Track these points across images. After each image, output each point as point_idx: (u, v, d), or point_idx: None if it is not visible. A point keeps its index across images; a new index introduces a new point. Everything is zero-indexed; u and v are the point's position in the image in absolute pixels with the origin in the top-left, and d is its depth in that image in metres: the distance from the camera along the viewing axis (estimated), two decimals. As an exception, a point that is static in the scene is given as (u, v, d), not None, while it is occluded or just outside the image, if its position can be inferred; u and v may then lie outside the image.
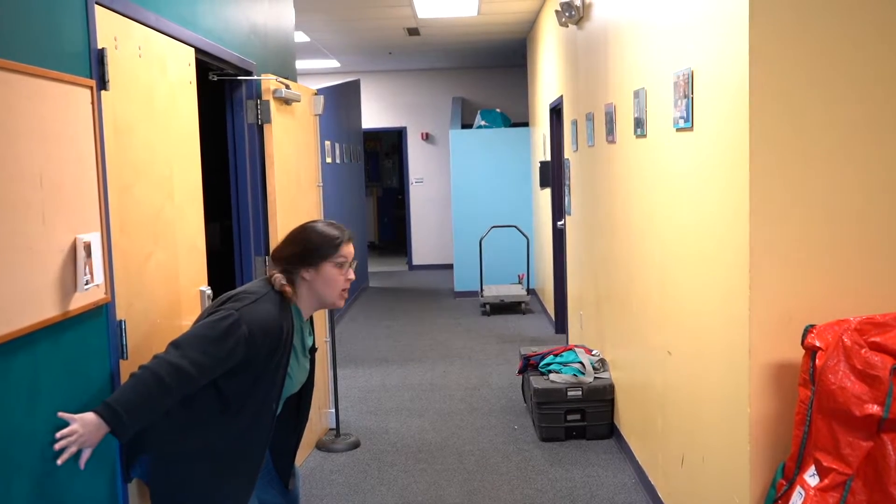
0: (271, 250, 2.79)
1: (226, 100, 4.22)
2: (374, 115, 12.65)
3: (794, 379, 2.64)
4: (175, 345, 2.42)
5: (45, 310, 2.19)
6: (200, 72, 3.76)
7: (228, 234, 4.49)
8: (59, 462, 2.18)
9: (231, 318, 2.45)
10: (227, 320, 2.45)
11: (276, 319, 2.54)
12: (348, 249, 2.69)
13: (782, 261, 2.66)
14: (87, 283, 2.38)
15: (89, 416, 2.24)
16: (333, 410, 5.06)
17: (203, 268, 3.45)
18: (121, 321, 2.66)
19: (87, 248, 2.39)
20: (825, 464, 2.41)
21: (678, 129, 3.35)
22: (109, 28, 2.64)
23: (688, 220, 3.29)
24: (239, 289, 2.66)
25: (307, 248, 2.64)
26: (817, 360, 2.46)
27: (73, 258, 2.33)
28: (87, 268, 2.39)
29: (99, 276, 2.47)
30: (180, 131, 3.24)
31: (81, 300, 2.37)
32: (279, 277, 2.63)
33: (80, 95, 2.41)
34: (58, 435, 2.19)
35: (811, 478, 2.45)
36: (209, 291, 3.42)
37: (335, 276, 2.66)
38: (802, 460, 2.51)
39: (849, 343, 2.38)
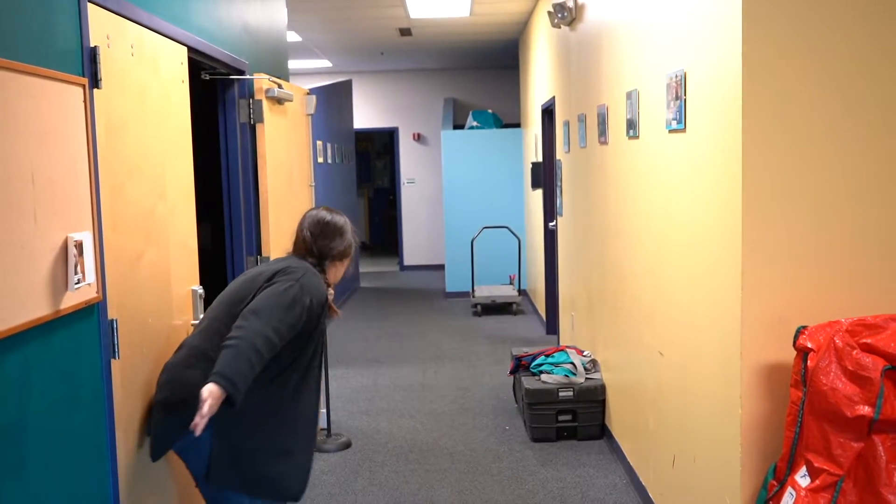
0: (304, 236, 2.93)
1: (218, 99, 4.21)
2: (366, 115, 12.64)
3: (786, 380, 2.65)
4: (254, 313, 2.54)
5: (36, 309, 2.18)
6: (193, 70, 3.75)
7: (220, 233, 4.48)
8: (197, 432, 2.36)
9: (295, 288, 2.63)
10: (292, 290, 2.62)
11: (324, 290, 2.79)
12: None
13: (774, 262, 2.67)
14: (78, 282, 2.37)
15: (214, 389, 2.39)
16: (325, 411, 5.05)
17: (195, 267, 3.44)
18: (112, 320, 2.65)
19: (79, 246, 2.38)
20: (816, 465, 2.42)
21: (671, 131, 3.36)
22: (102, 26, 2.63)
23: (680, 222, 3.30)
24: (279, 264, 2.81)
25: (347, 248, 2.96)
26: (809, 362, 2.47)
27: (65, 257, 2.31)
28: (79, 266, 2.38)
29: (90, 275, 2.46)
30: (172, 130, 3.23)
31: (73, 299, 2.36)
32: (312, 262, 2.85)
33: (72, 93, 2.40)
34: (204, 411, 2.35)
35: (802, 478, 2.46)
36: (201, 291, 3.41)
37: (342, 270, 3.00)
38: (794, 461, 2.52)
39: (840, 344, 2.39)
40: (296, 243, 2.96)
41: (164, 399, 2.72)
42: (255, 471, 2.68)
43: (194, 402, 2.42)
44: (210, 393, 2.38)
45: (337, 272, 2.96)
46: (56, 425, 2.31)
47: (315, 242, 2.90)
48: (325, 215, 2.98)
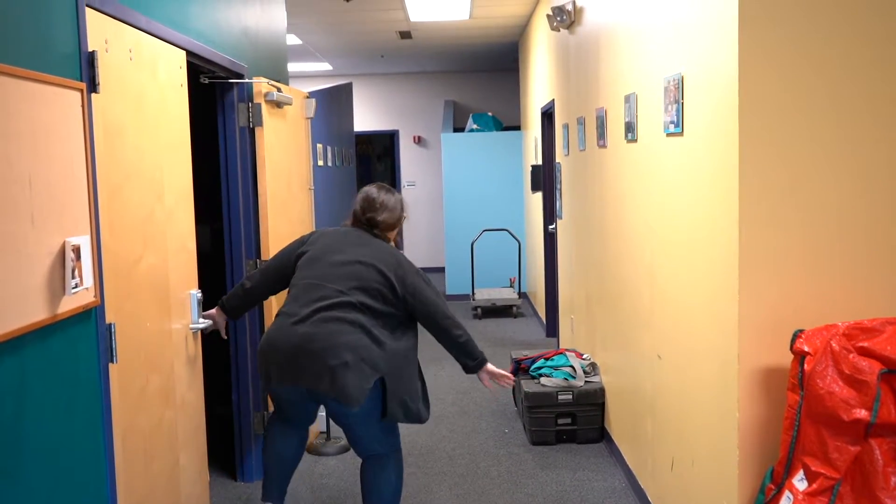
0: (382, 221, 3.49)
1: (217, 103, 4.22)
2: (367, 118, 12.64)
3: (783, 383, 2.65)
4: (444, 301, 3.47)
5: (34, 313, 2.18)
6: (192, 74, 3.76)
7: (219, 236, 4.48)
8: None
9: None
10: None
11: None
12: None
13: (771, 265, 2.67)
14: (75, 286, 2.37)
15: (489, 366, 3.58)
16: (324, 414, 5.05)
17: (193, 271, 3.45)
18: (110, 324, 2.66)
19: (77, 250, 2.38)
20: (813, 468, 2.42)
21: (668, 134, 3.36)
22: (100, 31, 2.64)
23: (678, 225, 3.30)
24: (397, 253, 3.41)
25: (396, 221, 3.57)
26: (806, 365, 2.47)
27: (62, 261, 2.32)
28: (76, 270, 2.38)
29: (88, 279, 2.46)
30: (171, 134, 3.23)
31: (70, 303, 2.36)
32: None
33: (70, 98, 2.41)
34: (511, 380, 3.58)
35: (799, 482, 2.46)
36: (199, 295, 3.41)
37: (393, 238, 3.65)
38: (791, 465, 2.52)
39: (837, 348, 2.39)
40: (353, 215, 3.56)
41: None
42: (414, 404, 3.34)
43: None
44: (488, 371, 3.61)
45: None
46: (53, 430, 2.31)
47: (363, 214, 3.49)
48: (373, 191, 3.54)
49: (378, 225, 3.47)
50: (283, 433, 3.49)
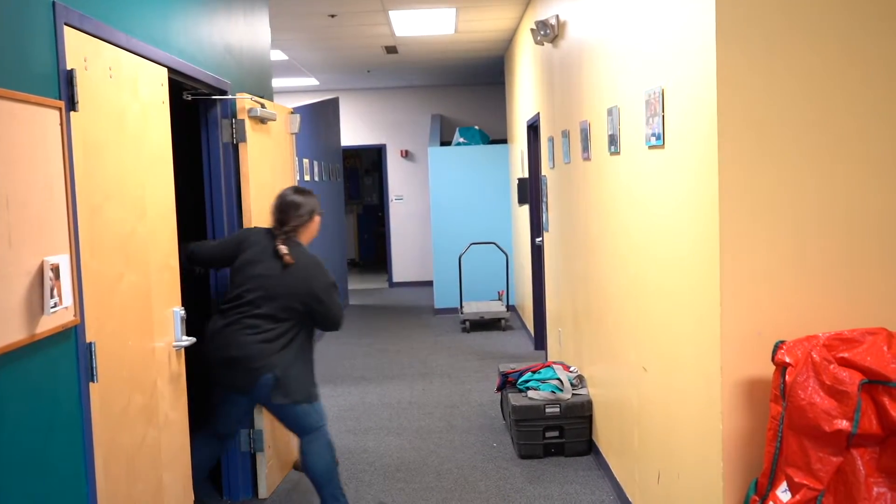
0: (295, 224, 3.94)
1: (200, 119, 4.21)
2: (354, 132, 12.66)
3: (766, 395, 2.66)
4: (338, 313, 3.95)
5: (11, 333, 2.17)
6: (174, 91, 3.76)
7: (204, 253, 4.46)
8: None
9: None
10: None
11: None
12: None
13: (752, 277, 2.68)
14: (54, 306, 2.36)
15: None
16: (311, 430, 5.02)
17: (176, 288, 3.43)
18: (90, 343, 2.64)
19: (56, 270, 2.37)
20: (796, 479, 2.42)
21: (650, 147, 3.38)
22: (79, 49, 2.63)
23: (660, 237, 3.31)
24: (315, 264, 3.89)
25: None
26: (787, 376, 2.47)
27: (41, 280, 2.30)
28: (55, 290, 2.36)
29: (68, 299, 2.44)
30: (153, 151, 3.22)
31: (49, 323, 2.35)
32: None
33: (48, 116, 2.40)
34: None
35: (783, 493, 2.46)
36: (182, 313, 3.39)
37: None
38: (775, 476, 2.52)
39: (818, 359, 2.40)
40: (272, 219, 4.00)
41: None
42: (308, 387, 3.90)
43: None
44: None
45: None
46: (32, 451, 2.29)
47: (277, 219, 3.96)
48: (287, 194, 4.00)
49: (294, 229, 3.92)
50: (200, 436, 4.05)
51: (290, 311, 3.81)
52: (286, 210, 3.93)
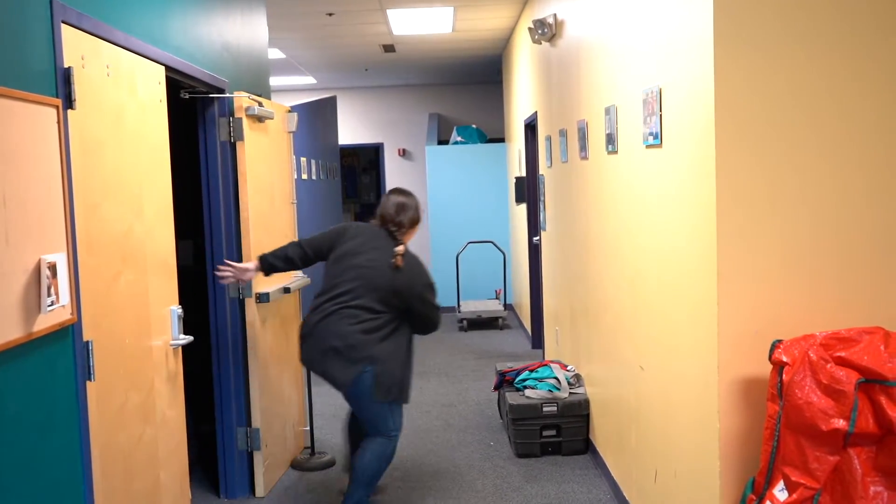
0: (404, 222, 4.04)
1: (198, 117, 4.21)
2: (352, 131, 12.64)
3: (763, 394, 2.66)
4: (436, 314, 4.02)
5: (7, 332, 2.16)
6: (172, 89, 3.75)
7: (202, 251, 4.46)
8: None
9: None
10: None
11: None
12: None
13: (749, 276, 2.68)
14: (51, 304, 2.36)
15: None
16: (308, 429, 5.03)
17: (173, 286, 3.43)
18: (87, 342, 2.64)
19: (53, 268, 2.36)
20: (793, 478, 2.42)
21: (648, 146, 3.38)
22: (76, 47, 2.63)
23: (657, 236, 3.32)
24: (421, 270, 3.99)
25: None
26: (784, 376, 2.48)
27: (38, 279, 2.30)
28: (52, 288, 2.36)
29: (65, 297, 2.44)
30: (150, 149, 3.22)
31: (46, 321, 2.34)
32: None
33: (45, 115, 2.39)
34: None
35: (780, 493, 2.47)
36: (180, 311, 3.39)
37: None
38: (771, 475, 2.53)
39: (815, 358, 2.40)
40: (380, 217, 4.07)
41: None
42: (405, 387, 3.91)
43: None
44: None
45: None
46: (29, 449, 2.29)
47: (389, 217, 4.03)
48: (396, 197, 4.11)
49: (401, 226, 4.02)
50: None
51: (388, 305, 3.81)
52: (399, 211, 4.01)
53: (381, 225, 4.02)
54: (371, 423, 3.89)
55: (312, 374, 4.20)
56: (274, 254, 4.05)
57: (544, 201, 6.50)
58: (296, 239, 5.06)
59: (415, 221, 4.08)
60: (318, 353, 3.81)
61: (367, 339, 3.74)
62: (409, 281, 3.86)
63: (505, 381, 5.27)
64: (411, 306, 3.86)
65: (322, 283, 3.94)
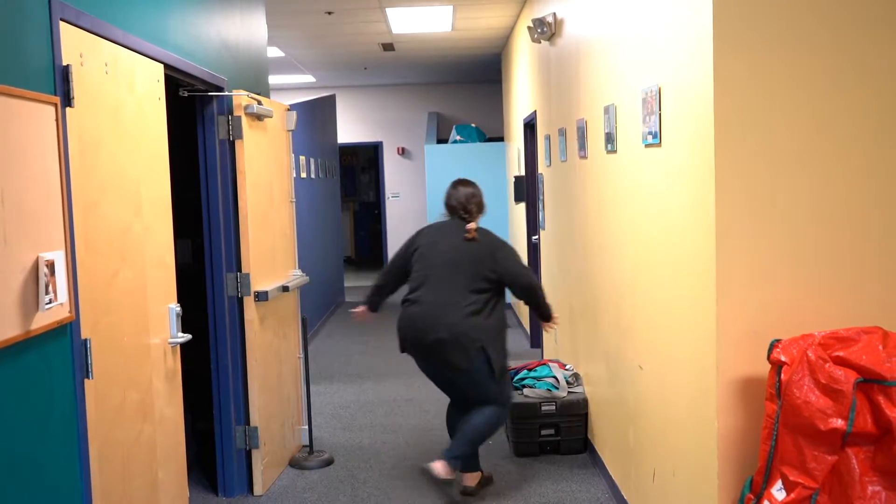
0: (466, 207, 4.28)
1: (196, 115, 4.20)
2: (351, 129, 12.65)
3: (761, 393, 2.66)
4: (530, 273, 4.29)
5: (5, 329, 2.16)
6: (171, 87, 3.75)
7: (201, 249, 4.46)
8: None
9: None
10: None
11: None
12: None
13: (748, 275, 2.68)
14: (49, 302, 2.35)
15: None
16: (306, 427, 5.03)
17: (172, 285, 3.42)
18: (86, 340, 2.63)
19: (51, 266, 2.36)
20: (791, 478, 2.42)
21: (647, 145, 3.38)
22: (75, 44, 2.62)
23: (656, 236, 3.32)
24: (497, 237, 4.23)
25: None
26: (783, 375, 2.48)
27: (36, 277, 2.30)
28: (50, 286, 2.36)
29: (63, 295, 2.44)
30: (149, 147, 3.22)
31: (44, 319, 2.34)
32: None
33: (43, 112, 2.39)
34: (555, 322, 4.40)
35: (778, 492, 2.47)
36: (178, 309, 3.39)
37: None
38: (770, 474, 2.53)
39: (813, 358, 2.40)
40: (450, 209, 4.34)
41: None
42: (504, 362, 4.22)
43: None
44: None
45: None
46: (27, 447, 2.29)
47: (460, 206, 4.30)
48: (464, 188, 4.36)
49: (471, 213, 4.27)
50: (451, 407, 4.46)
51: (483, 279, 4.03)
52: (468, 199, 4.28)
53: (450, 214, 4.30)
54: (487, 399, 4.14)
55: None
56: (370, 295, 4.50)
57: (543, 200, 6.50)
58: (295, 238, 5.08)
59: (481, 207, 4.34)
60: (430, 344, 4.02)
61: (474, 322, 3.97)
62: (490, 246, 4.11)
63: (503, 380, 5.26)
64: (503, 270, 4.05)
65: (411, 281, 4.21)
